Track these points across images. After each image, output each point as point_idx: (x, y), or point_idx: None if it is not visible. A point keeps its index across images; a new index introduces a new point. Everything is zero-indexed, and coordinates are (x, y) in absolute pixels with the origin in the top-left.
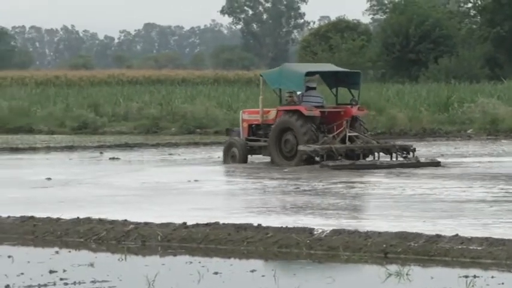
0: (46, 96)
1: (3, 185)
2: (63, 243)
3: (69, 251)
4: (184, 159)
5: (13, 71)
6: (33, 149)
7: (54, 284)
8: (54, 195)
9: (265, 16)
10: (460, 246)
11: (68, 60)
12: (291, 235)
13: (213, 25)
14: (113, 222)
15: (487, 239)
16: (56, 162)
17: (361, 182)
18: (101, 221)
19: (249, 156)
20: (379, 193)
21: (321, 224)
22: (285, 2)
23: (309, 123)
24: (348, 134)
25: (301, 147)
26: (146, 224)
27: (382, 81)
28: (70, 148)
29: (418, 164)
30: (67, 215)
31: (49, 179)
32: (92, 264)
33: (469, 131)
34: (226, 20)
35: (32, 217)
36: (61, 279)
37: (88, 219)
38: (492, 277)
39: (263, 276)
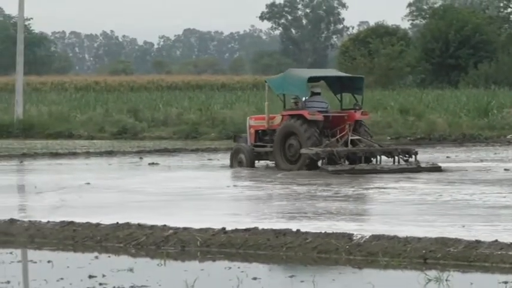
0: (86, 102)
1: (43, 190)
2: (102, 248)
3: (109, 256)
4: (223, 164)
5: (53, 76)
6: (72, 154)
7: None
8: (94, 200)
9: (304, 21)
10: (499, 252)
11: (107, 66)
12: (330, 240)
13: (252, 30)
14: (152, 227)
15: None
16: (96, 167)
17: (395, 188)
18: (140, 226)
19: (256, 161)
20: (413, 199)
21: (355, 229)
22: (324, 7)
23: (312, 128)
24: (351, 138)
25: (303, 150)
26: (185, 229)
27: (422, 86)
28: (109, 153)
29: (418, 169)
30: (106, 220)
31: (88, 183)
32: (131, 269)
33: (508, 136)
34: (265, 25)
35: (71, 222)
36: (100, 284)
37: (127, 225)
38: None
39: (302, 281)
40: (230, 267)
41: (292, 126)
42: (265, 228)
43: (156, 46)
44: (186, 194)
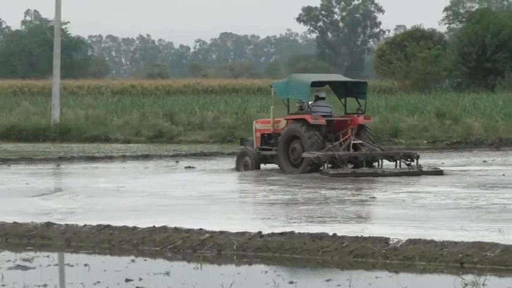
0: (122, 105)
1: (79, 194)
2: (139, 252)
3: (145, 260)
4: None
5: (89, 80)
6: (109, 158)
7: None
8: (130, 203)
9: (341, 25)
10: None
11: (143, 69)
12: (367, 245)
13: (288, 34)
14: (188, 231)
15: None
16: (132, 170)
17: (429, 192)
18: (176, 229)
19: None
20: (448, 203)
21: (388, 233)
22: (361, 11)
23: (315, 132)
24: (353, 142)
25: (305, 154)
26: (222, 232)
27: (458, 90)
28: (146, 157)
29: (420, 172)
30: (143, 223)
31: (124, 187)
32: (167, 273)
33: None
34: (301, 29)
35: (108, 226)
36: (137, 287)
37: (164, 228)
38: None
39: (338, 285)
40: (266, 271)
41: (296, 130)
42: (302, 232)
43: (192, 50)
44: (211, 197)
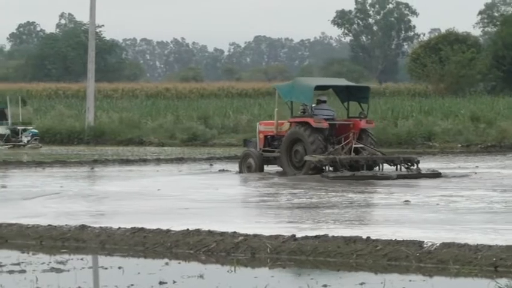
0: (156, 109)
1: (113, 196)
2: (173, 255)
3: (179, 263)
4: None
5: (124, 83)
6: (143, 161)
7: None
8: (164, 206)
9: (375, 28)
10: None
11: (178, 73)
12: (401, 248)
13: (322, 37)
14: (222, 234)
15: None
16: (166, 173)
17: (461, 196)
18: (210, 232)
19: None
20: (481, 207)
21: (420, 236)
22: (395, 15)
23: (317, 135)
24: (354, 146)
25: (306, 157)
26: (255, 236)
27: (493, 94)
28: (180, 160)
29: (419, 175)
30: (177, 226)
31: (159, 190)
32: (201, 276)
33: None
34: (335, 32)
35: (142, 228)
36: None
37: (197, 231)
38: None
39: None
40: (300, 274)
41: (298, 133)
42: (335, 235)
43: (226, 53)
44: (232, 201)
